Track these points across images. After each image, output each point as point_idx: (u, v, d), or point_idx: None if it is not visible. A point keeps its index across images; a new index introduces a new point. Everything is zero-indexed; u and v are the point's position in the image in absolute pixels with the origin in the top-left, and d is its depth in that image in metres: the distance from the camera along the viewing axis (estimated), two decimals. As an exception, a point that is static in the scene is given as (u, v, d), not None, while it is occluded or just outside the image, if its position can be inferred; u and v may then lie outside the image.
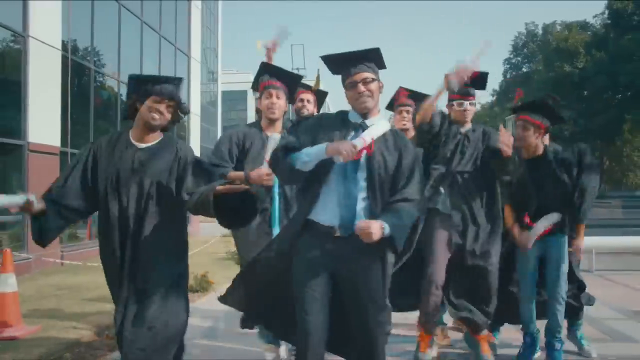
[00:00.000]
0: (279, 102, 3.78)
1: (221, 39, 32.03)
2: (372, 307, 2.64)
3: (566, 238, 4.10)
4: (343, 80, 2.79)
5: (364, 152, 2.61)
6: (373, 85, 2.74)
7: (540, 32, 44.87)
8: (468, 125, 4.17)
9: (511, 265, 4.20)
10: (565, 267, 4.06)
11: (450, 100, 4.14)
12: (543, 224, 3.95)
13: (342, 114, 2.87)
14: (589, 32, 37.59)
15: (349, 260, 2.61)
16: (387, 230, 2.53)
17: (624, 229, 14.72)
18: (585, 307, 4.48)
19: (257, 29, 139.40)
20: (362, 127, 2.74)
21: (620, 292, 7.44)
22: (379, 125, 2.72)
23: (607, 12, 34.83)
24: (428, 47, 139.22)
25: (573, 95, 33.45)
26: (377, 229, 2.48)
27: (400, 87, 4.74)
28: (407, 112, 4.55)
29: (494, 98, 47.44)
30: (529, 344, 4.17)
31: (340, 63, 2.81)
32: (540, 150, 4.13)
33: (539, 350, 4.23)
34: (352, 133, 2.73)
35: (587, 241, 9.38)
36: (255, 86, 3.96)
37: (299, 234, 2.70)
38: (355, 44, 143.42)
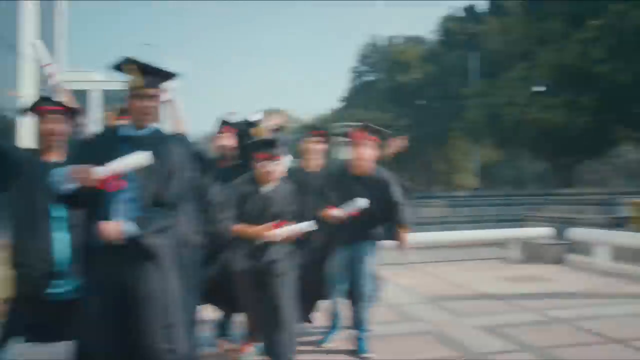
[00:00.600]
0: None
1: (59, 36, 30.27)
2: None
3: (375, 243, 4.54)
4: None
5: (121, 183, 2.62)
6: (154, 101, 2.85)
7: (384, 43, 48.21)
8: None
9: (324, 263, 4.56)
10: (369, 268, 4.50)
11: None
12: (351, 206, 4.20)
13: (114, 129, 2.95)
14: (425, 47, 41.24)
15: None
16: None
17: (449, 225, 16.44)
18: (388, 294, 5.33)
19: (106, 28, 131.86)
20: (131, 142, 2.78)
21: (429, 281, 8.49)
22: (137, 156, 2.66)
23: (440, 29, 38.62)
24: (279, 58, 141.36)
25: (409, 104, 36.52)
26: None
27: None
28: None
29: (344, 104, 50.01)
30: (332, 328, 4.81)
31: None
32: (373, 170, 4.43)
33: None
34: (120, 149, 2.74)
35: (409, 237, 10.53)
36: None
37: None
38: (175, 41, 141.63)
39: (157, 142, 2.82)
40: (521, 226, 14.67)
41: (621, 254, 10.13)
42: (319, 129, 5.24)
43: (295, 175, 4.59)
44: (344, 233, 4.32)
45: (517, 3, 29.01)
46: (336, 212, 4.19)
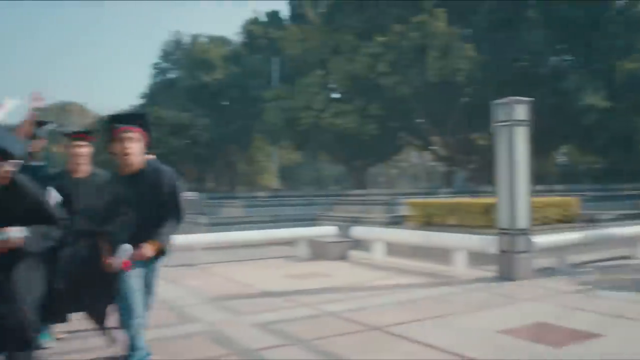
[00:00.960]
0: None
1: None
2: None
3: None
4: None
5: None
6: None
7: (189, 40, 47.31)
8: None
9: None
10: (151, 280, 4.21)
11: None
12: (121, 257, 3.80)
13: None
14: (229, 48, 41.39)
15: None
16: None
17: (246, 225, 16.58)
18: (171, 296, 5.43)
19: None
20: None
21: (216, 281, 8.50)
22: None
23: (243, 32, 39.05)
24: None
25: (211, 104, 36.35)
26: None
27: None
28: None
29: (144, 101, 47.98)
30: None
31: None
32: (141, 165, 4.01)
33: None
34: None
35: (196, 238, 10.42)
36: None
37: None
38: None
39: None
40: (315, 225, 15.42)
41: (395, 249, 11.22)
42: (82, 131, 4.87)
43: (61, 180, 4.39)
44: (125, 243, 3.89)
45: (316, 13, 30.58)
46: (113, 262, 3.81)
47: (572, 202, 12.95)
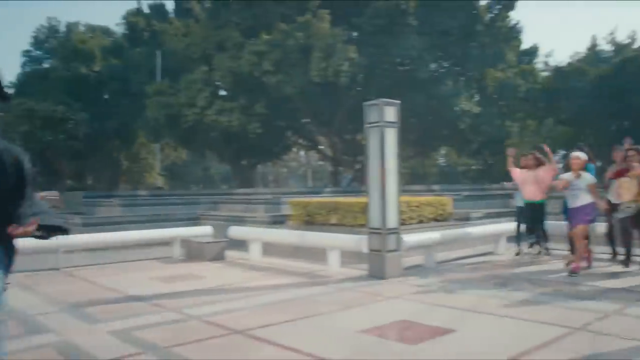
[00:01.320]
0: None
1: None
2: None
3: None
4: None
5: None
6: None
7: (64, 29, 44.41)
8: None
9: None
10: None
11: None
12: None
13: None
14: (111, 39, 39.33)
15: None
16: None
17: (121, 225, 15.78)
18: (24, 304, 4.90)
19: None
20: None
21: (79, 287, 7.94)
22: None
23: (123, 24, 37.26)
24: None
25: (90, 97, 34.34)
26: None
27: None
28: None
29: (12, 91, 44.40)
30: None
31: None
32: None
33: None
34: None
35: (63, 240, 9.67)
36: None
37: None
38: None
39: None
40: (197, 225, 15.01)
41: (276, 249, 11.15)
42: None
43: None
44: None
45: (202, 8, 29.84)
46: None
47: (446, 201, 13.57)
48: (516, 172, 9.75)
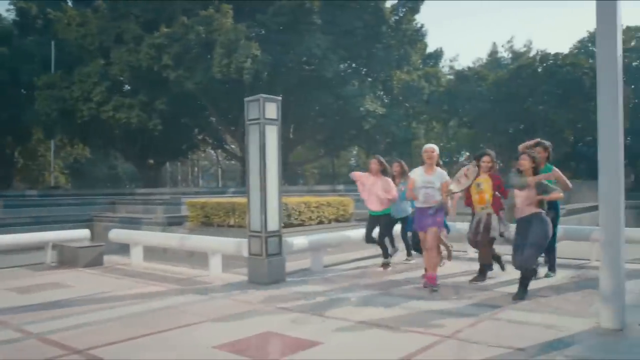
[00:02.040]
0: None
1: None
2: None
3: None
4: None
5: None
6: None
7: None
8: None
9: None
10: None
11: None
12: None
13: None
14: (1, 25, 36.43)
15: None
16: None
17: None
18: None
19: None
20: None
21: None
22: None
23: (13, 10, 34.60)
24: None
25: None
26: None
27: None
28: None
29: None
30: None
31: None
32: None
33: None
34: None
35: None
36: None
37: None
38: None
39: None
40: (89, 227, 14.09)
41: (160, 254, 10.50)
42: None
43: None
44: None
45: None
46: None
47: (347, 202, 13.47)
48: (356, 176, 8.61)
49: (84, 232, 10.88)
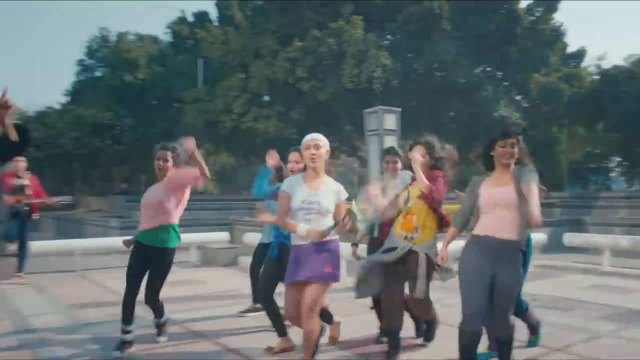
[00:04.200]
0: None
1: None
2: None
3: None
4: None
5: None
6: None
7: (115, 39, 45.94)
8: None
9: None
10: None
11: None
12: None
13: None
14: (157, 47, 40.46)
15: None
16: None
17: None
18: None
19: None
20: None
21: (84, 289, 8.22)
22: None
23: (169, 32, 38.34)
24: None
25: (134, 104, 35.49)
26: None
27: None
28: None
29: (68, 99, 46.33)
30: None
31: None
32: None
33: None
34: None
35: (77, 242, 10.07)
36: None
37: None
38: None
39: None
40: (228, 230, 15.21)
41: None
42: None
43: None
44: None
45: (244, 15, 30.30)
46: None
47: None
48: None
49: (224, 235, 11.89)
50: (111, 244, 10.54)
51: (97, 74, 46.02)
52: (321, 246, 3.84)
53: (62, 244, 11.04)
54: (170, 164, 4.66)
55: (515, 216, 3.57)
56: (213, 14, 36.42)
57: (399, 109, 7.98)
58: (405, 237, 4.25)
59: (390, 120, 7.74)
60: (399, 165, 4.91)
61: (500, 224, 3.58)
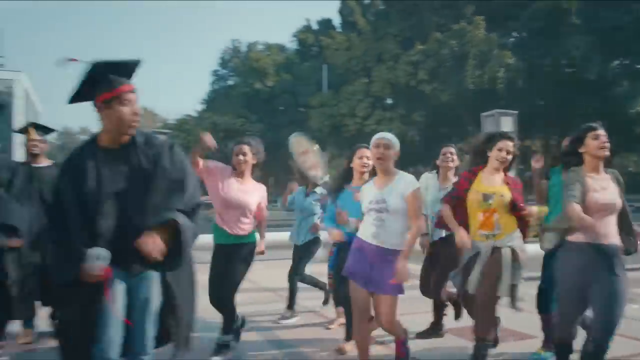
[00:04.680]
0: None
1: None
2: None
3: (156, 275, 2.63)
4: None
5: None
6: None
7: (245, 49, 48.76)
8: None
9: None
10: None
11: None
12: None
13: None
14: (284, 55, 42.61)
15: None
16: None
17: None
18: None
19: None
20: None
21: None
22: None
23: (295, 40, 40.22)
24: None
25: (263, 110, 37.70)
26: None
27: None
28: None
29: (205, 106, 49.84)
30: None
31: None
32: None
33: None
34: None
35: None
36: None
37: None
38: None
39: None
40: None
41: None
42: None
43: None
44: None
45: (367, 20, 31.12)
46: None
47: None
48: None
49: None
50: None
51: (230, 82, 49.34)
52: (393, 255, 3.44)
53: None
54: (249, 157, 4.27)
55: (615, 220, 3.34)
56: (336, 20, 37.71)
57: (516, 112, 8.16)
58: (487, 236, 3.76)
59: (507, 123, 7.93)
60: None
61: (608, 229, 3.31)
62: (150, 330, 2.69)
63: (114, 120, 2.49)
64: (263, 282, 7.38)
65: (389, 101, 28.63)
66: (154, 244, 2.43)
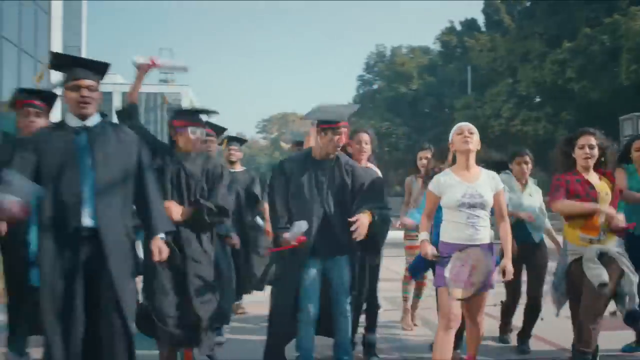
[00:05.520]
0: None
1: (85, 41, 31.88)
2: None
3: (347, 258, 3.61)
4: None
5: None
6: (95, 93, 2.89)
7: (389, 53, 49.64)
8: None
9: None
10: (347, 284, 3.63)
11: None
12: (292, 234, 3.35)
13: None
14: (428, 57, 42.90)
15: None
16: None
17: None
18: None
19: (125, 29, 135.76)
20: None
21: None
22: None
23: (438, 42, 40.34)
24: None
25: (408, 113, 38.35)
26: None
27: None
28: None
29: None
30: None
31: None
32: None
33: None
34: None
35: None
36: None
37: None
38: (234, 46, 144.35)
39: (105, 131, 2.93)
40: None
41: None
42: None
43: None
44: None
45: (512, 19, 30.63)
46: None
47: None
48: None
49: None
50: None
51: (375, 86, 50.50)
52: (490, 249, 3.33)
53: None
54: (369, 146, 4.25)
55: None
56: (480, 20, 37.27)
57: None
58: (591, 241, 3.56)
59: (647, 126, 8.06)
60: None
61: None
62: (345, 302, 3.60)
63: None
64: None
65: (533, 101, 27.96)
66: (362, 224, 3.30)
